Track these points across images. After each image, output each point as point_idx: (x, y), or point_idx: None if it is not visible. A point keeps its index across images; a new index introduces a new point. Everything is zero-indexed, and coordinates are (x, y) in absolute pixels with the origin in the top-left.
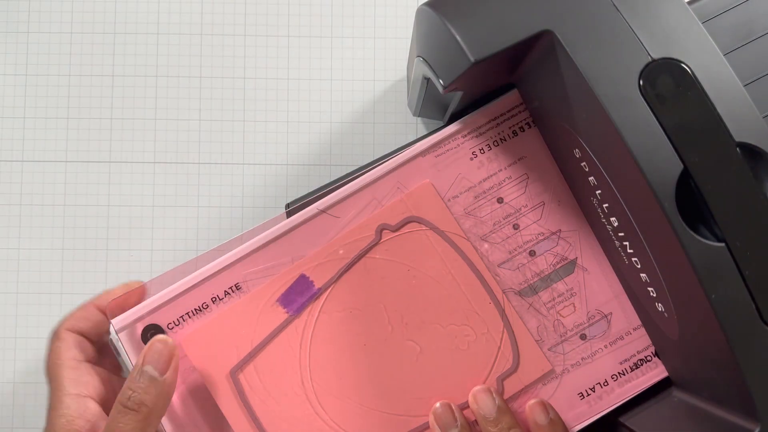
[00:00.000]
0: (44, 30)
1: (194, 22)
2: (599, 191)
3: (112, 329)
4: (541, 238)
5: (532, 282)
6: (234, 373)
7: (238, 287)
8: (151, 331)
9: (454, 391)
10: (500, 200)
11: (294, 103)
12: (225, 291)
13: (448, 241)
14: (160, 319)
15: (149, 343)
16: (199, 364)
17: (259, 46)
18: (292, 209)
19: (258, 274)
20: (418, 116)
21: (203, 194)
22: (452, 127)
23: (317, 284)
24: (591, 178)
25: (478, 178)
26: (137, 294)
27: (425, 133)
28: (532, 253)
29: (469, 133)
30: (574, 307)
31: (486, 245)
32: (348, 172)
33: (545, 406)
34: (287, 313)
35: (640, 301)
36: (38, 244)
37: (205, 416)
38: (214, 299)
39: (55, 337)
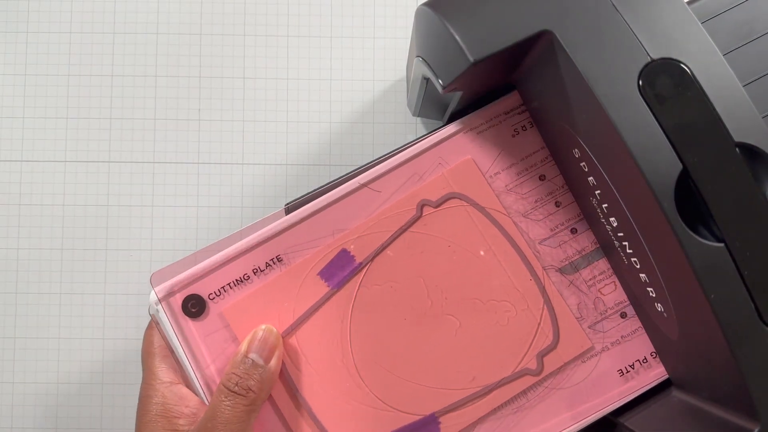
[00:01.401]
0: (44, 30)
1: (194, 22)
2: (599, 191)
3: (152, 299)
4: (582, 215)
5: (573, 259)
6: None
7: (279, 259)
8: (192, 301)
9: (493, 365)
10: (543, 177)
11: (294, 103)
12: (266, 263)
13: (488, 217)
14: (201, 290)
15: (254, 332)
16: (241, 335)
17: (259, 46)
18: (290, 207)
19: (300, 247)
20: (418, 116)
21: (203, 194)
22: (498, 103)
23: (358, 259)
24: (590, 178)
25: (520, 155)
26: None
27: (425, 132)
28: (573, 231)
29: (511, 110)
30: (615, 285)
31: (527, 222)
32: (347, 171)
33: None
34: (328, 286)
35: (639, 301)
36: (38, 244)
37: None
38: (255, 270)
39: (148, 325)
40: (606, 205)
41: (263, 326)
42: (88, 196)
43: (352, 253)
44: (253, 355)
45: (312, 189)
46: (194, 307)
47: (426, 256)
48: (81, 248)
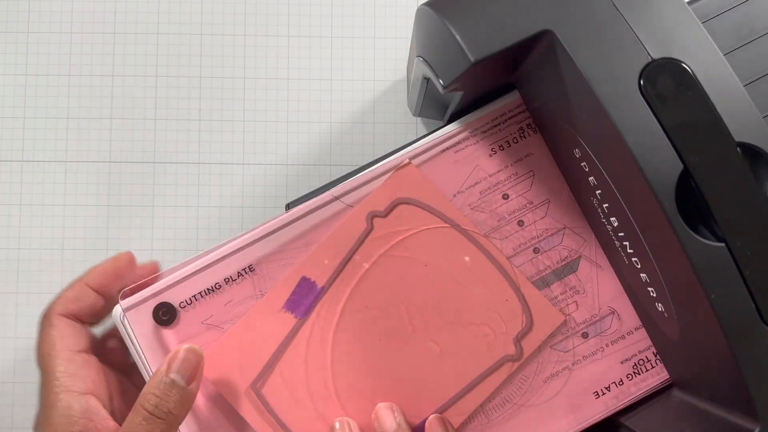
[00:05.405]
0: (44, 30)
1: (194, 22)
2: (599, 191)
3: (116, 309)
4: (545, 235)
5: (534, 279)
6: (255, 386)
7: (251, 269)
8: (163, 309)
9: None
10: (506, 196)
11: (294, 103)
12: (238, 272)
13: (453, 225)
14: (173, 298)
15: (175, 351)
16: (219, 383)
17: (259, 46)
18: (291, 206)
19: (272, 257)
20: (418, 116)
21: (203, 194)
22: (458, 124)
23: (319, 283)
24: (591, 178)
25: (484, 174)
26: (150, 281)
27: (425, 132)
28: (536, 250)
29: (476, 130)
30: (577, 305)
31: (492, 241)
32: (347, 172)
33: (445, 424)
34: (296, 317)
35: (640, 301)
36: (38, 244)
37: (230, 422)
38: (227, 280)
39: (47, 322)
40: (607, 205)
41: (186, 345)
42: (88, 196)
43: (312, 279)
44: (174, 375)
45: (312, 189)
46: (165, 315)
47: (404, 280)
48: (81, 248)
